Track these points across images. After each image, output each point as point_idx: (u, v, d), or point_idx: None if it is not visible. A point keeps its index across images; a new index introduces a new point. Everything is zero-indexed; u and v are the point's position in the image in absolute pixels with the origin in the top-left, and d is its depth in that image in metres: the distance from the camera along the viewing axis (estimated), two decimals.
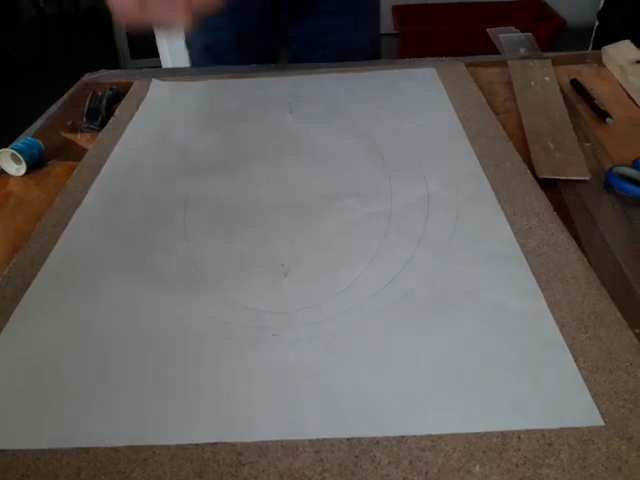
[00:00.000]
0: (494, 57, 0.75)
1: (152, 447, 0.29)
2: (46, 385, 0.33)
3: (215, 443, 0.29)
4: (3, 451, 0.30)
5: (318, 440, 0.29)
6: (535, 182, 0.47)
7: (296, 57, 0.84)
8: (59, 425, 0.31)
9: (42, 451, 0.29)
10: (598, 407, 0.29)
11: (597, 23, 1.34)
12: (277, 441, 0.29)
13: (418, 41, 2.13)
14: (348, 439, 0.29)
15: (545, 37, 2.01)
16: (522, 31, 0.81)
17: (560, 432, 0.29)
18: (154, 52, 1.45)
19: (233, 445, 0.29)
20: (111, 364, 0.34)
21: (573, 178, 0.49)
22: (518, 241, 0.40)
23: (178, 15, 0.37)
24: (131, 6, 0.39)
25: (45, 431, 0.30)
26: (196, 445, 0.29)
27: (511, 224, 0.42)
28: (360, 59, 0.74)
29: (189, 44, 0.80)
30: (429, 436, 0.29)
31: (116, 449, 0.29)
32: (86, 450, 0.29)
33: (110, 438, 0.30)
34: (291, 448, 0.29)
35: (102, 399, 0.32)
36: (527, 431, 0.29)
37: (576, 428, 0.29)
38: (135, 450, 0.29)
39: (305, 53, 0.81)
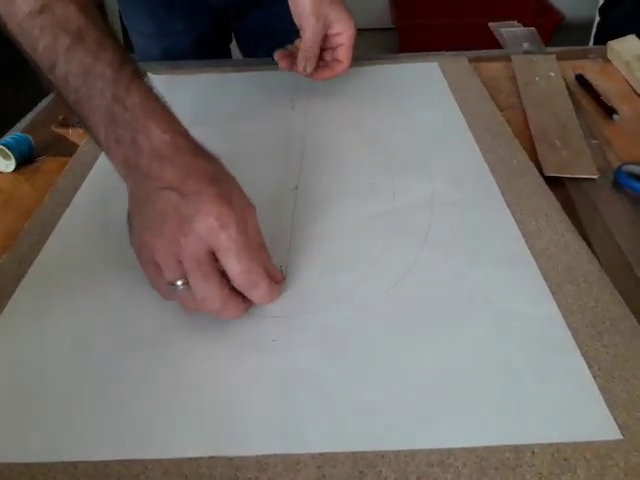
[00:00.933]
0: (496, 52, 0.73)
1: (144, 462, 0.28)
2: (32, 395, 0.31)
3: (211, 457, 0.28)
4: None
5: (320, 454, 0.27)
6: (542, 181, 0.46)
7: (250, 49, 0.85)
8: (45, 437, 0.29)
9: (27, 465, 0.28)
10: (615, 419, 0.28)
11: (598, 19, 1.32)
12: (277, 455, 0.28)
13: (417, 36, 2.11)
14: (352, 453, 0.27)
15: (544, 33, 1.99)
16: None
17: (576, 446, 0.27)
18: None
19: (230, 459, 0.28)
20: (101, 373, 0.32)
21: (581, 176, 0.48)
22: (527, 242, 0.39)
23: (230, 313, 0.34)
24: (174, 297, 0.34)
25: (30, 443, 0.29)
26: (190, 459, 0.28)
27: (519, 224, 0.41)
28: None
29: (146, 53, 0.80)
30: (438, 450, 0.27)
31: (106, 463, 0.28)
32: (74, 465, 0.28)
33: (100, 452, 0.28)
34: (292, 463, 0.27)
35: (91, 410, 0.30)
36: (541, 445, 0.27)
37: (592, 442, 0.27)
38: (126, 465, 0.28)
39: (257, 43, 0.81)
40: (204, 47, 0.80)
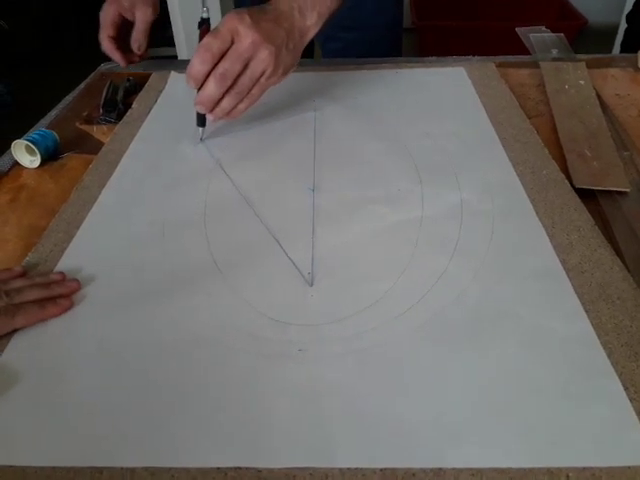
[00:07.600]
0: (524, 58, 0.72)
1: (171, 469, 0.27)
2: (60, 399, 0.31)
3: (238, 468, 0.27)
4: (12, 467, 0.28)
5: (349, 469, 0.27)
6: (574, 192, 0.45)
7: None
8: (72, 442, 0.29)
9: (54, 469, 0.28)
10: None
11: (625, 25, 1.30)
12: (305, 468, 0.27)
13: (437, 37, 2.09)
14: (381, 469, 0.27)
15: (567, 37, 1.97)
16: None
17: (611, 470, 0.26)
18: (170, 41, 1.43)
19: (258, 471, 0.27)
20: (129, 379, 0.32)
21: (612, 189, 0.47)
22: (559, 257, 0.38)
23: None
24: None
25: (57, 448, 0.29)
26: (218, 469, 0.27)
27: (550, 238, 0.40)
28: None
29: None
30: (469, 469, 0.27)
31: (132, 470, 0.27)
32: (100, 470, 0.28)
33: (126, 458, 0.28)
34: (319, 477, 0.27)
35: (119, 416, 0.30)
36: (576, 469, 0.27)
37: (628, 467, 0.27)
38: (152, 472, 0.27)
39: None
40: None
